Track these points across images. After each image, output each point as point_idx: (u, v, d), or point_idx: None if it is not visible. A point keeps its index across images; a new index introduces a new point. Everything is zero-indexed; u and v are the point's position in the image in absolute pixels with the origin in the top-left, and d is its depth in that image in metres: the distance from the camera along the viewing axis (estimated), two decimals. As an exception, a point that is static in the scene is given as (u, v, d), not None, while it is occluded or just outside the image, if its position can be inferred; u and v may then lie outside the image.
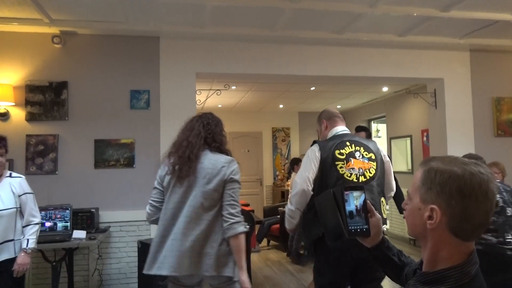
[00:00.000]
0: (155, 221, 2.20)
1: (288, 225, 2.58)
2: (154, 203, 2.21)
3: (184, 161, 2.10)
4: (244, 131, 9.34)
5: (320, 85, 6.55)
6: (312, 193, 2.41)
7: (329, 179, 2.39)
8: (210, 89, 5.27)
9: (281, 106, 8.78)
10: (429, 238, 0.98)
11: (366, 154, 2.50)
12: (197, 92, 4.44)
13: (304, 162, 2.50)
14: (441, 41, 4.62)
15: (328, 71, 4.63)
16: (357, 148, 2.49)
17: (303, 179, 2.41)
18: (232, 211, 2.09)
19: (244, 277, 2.09)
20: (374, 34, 4.42)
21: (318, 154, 2.45)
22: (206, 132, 2.20)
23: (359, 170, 2.43)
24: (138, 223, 4.12)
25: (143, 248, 3.57)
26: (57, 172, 4.02)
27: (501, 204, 2.75)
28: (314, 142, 2.59)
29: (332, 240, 1.28)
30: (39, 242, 3.32)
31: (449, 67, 4.90)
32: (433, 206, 0.94)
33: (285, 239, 5.89)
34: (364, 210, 1.20)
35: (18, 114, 4.01)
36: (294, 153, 9.60)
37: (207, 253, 2.05)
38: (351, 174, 2.41)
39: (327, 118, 2.72)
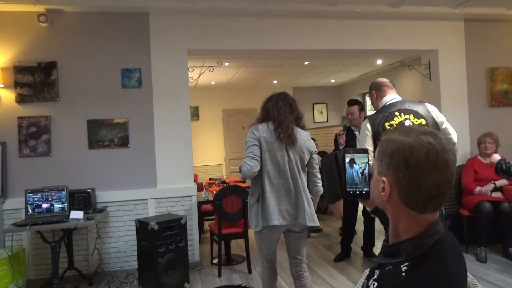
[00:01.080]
0: (255, 173, 2.51)
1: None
2: (256, 157, 2.51)
3: (286, 132, 2.53)
4: (238, 108, 9.30)
5: (314, 59, 6.48)
6: None
7: None
8: (203, 66, 5.21)
9: (275, 81, 8.72)
10: (388, 210, 0.98)
11: (416, 121, 2.53)
12: (190, 69, 4.38)
13: (360, 139, 2.62)
14: (435, 11, 4.56)
15: (321, 44, 4.57)
16: (407, 116, 2.53)
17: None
18: (319, 176, 2.68)
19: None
20: (367, 5, 4.34)
21: (370, 129, 2.54)
22: (290, 110, 2.63)
23: None
24: (135, 202, 4.14)
25: (141, 226, 3.60)
26: (51, 154, 4.00)
27: None
28: (365, 117, 2.71)
29: (330, 200, 1.33)
30: (36, 223, 3.35)
31: (444, 38, 4.84)
32: (383, 178, 0.94)
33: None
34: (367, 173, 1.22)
35: (8, 96, 3.95)
36: (289, 129, 9.58)
37: (309, 206, 2.57)
38: None
39: (376, 88, 2.77)
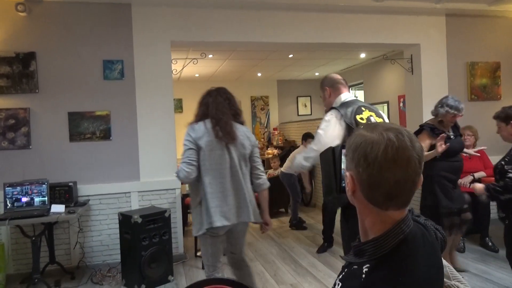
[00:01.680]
0: (193, 179, 2.46)
1: (300, 169, 2.57)
2: (193, 162, 2.44)
3: (225, 129, 2.48)
4: (222, 100, 9.25)
5: (298, 52, 6.49)
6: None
7: None
8: (186, 58, 5.16)
9: (259, 74, 8.70)
10: (356, 205, 0.98)
11: (377, 119, 2.50)
12: (173, 61, 4.33)
13: (327, 126, 2.37)
14: (418, 5, 4.61)
15: (305, 38, 4.58)
16: (371, 113, 2.48)
17: (332, 137, 2.28)
18: (262, 168, 2.68)
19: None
20: (351, -1, 4.36)
21: (341, 119, 2.37)
22: (229, 105, 2.59)
23: None
24: (118, 195, 4.10)
25: (124, 220, 3.57)
26: (30, 147, 3.92)
27: None
28: (331, 108, 2.49)
29: (325, 195, 1.31)
30: (16, 217, 3.28)
31: (426, 32, 4.91)
32: (347, 172, 0.95)
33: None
34: None
35: (-15, 87, 3.84)
36: (273, 122, 9.61)
37: (251, 202, 2.58)
38: None
39: (329, 85, 2.64)
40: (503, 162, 2.71)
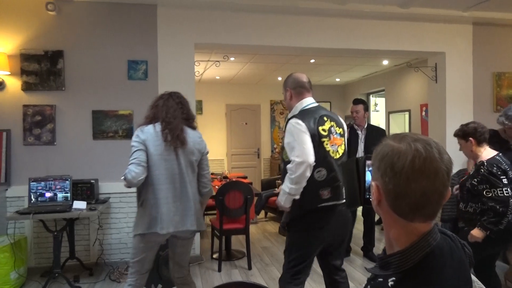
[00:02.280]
0: (141, 181, 2.35)
1: (287, 203, 2.37)
2: (142, 163, 2.34)
3: (175, 134, 2.41)
4: (242, 103, 9.28)
5: (320, 57, 6.46)
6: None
7: (317, 156, 2.26)
8: (209, 60, 5.20)
9: (279, 78, 8.69)
10: (381, 215, 0.97)
11: (338, 130, 2.42)
12: (196, 63, 4.37)
13: (297, 136, 2.27)
14: (444, 13, 4.54)
15: (328, 43, 4.56)
16: (332, 123, 2.40)
17: (307, 152, 2.23)
18: (209, 177, 2.62)
19: None
20: (376, 5, 4.33)
21: (305, 129, 2.27)
22: (181, 109, 2.51)
23: (335, 146, 2.37)
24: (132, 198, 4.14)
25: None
26: (55, 143, 4.00)
27: None
28: (292, 117, 2.38)
29: (349, 206, 1.30)
30: (39, 212, 3.36)
31: (452, 40, 4.83)
32: (373, 182, 0.94)
33: (282, 212, 5.97)
34: None
35: (14, 84, 3.95)
36: (292, 126, 9.57)
37: (196, 210, 2.50)
38: (333, 151, 2.35)
39: (292, 87, 2.48)
40: (474, 182, 2.62)
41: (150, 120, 2.47)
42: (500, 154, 2.62)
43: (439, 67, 4.95)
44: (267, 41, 4.43)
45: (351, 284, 3.68)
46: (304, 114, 2.37)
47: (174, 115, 2.45)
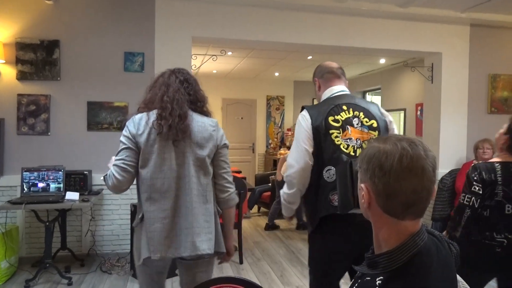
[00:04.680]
0: (125, 190, 1.86)
1: (288, 213, 2.15)
2: (128, 168, 1.80)
3: (174, 122, 1.77)
4: (238, 98, 9.27)
5: (318, 54, 6.46)
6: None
7: (325, 152, 1.94)
8: (206, 54, 5.18)
9: (276, 74, 8.69)
10: (370, 218, 0.98)
11: (366, 122, 2.02)
12: (193, 57, 4.36)
13: (297, 133, 2.03)
14: (442, 14, 4.55)
15: (326, 40, 4.56)
16: (356, 113, 2.01)
17: (302, 153, 1.96)
18: (230, 178, 1.93)
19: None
20: (375, 3, 4.33)
21: (309, 123, 1.97)
22: (186, 89, 1.89)
23: (357, 141, 1.97)
24: (131, 187, 4.12)
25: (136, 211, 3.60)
26: (49, 133, 3.99)
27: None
28: (303, 107, 2.08)
29: (341, 209, 1.29)
30: (32, 202, 3.35)
31: (449, 41, 4.84)
32: (362, 184, 0.95)
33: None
34: None
35: (9, 73, 3.92)
36: (288, 123, 9.59)
37: (209, 226, 1.86)
38: (348, 145, 1.95)
39: (319, 75, 2.19)
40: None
41: (145, 106, 1.89)
42: (499, 164, 2.18)
43: (435, 67, 4.97)
44: (264, 37, 4.42)
45: (343, 281, 3.72)
46: (321, 104, 2.07)
47: (175, 97, 1.82)
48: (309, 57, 6.76)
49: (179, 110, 1.80)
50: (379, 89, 8.18)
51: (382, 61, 6.98)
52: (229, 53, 6.24)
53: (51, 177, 3.63)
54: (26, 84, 3.94)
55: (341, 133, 1.97)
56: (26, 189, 3.58)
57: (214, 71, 8.24)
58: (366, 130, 2.01)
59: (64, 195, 3.53)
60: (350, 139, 1.97)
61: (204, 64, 5.39)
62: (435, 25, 4.77)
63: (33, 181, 3.59)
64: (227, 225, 2.02)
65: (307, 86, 9.67)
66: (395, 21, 4.67)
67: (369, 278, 0.93)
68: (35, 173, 3.60)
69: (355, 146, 1.97)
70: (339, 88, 2.13)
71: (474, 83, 4.95)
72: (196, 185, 1.83)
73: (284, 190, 2.08)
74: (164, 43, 4.18)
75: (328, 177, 1.92)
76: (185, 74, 1.94)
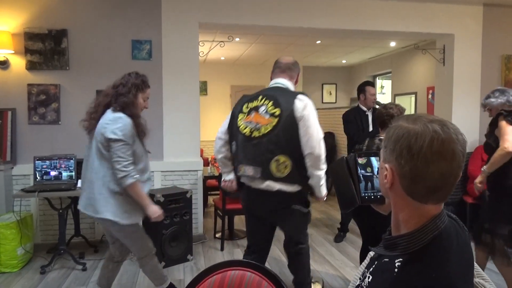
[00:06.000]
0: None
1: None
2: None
3: (88, 117, 2.46)
4: (246, 84, 9.22)
5: (327, 38, 6.38)
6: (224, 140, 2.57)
7: (232, 130, 2.51)
8: (213, 41, 5.15)
9: (285, 59, 8.60)
10: (391, 198, 0.95)
11: (271, 109, 2.34)
12: (200, 43, 4.33)
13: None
14: (455, -6, 4.44)
15: (335, 24, 4.48)
16: (266, 102, 2.38)
17: (221, 133, 2.59)
18: (118, 166, 2.32)
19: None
20: (385, -15, 4.23)
21: (232, 109, 2.58)
22: (112, 92, 2.44)
23: (256, 124, 2.36)
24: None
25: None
26: (60, 122, 4.03)
27: None
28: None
29: (344, 208, 1.27)
30: (45, 190, 3.41)
31: (461, 22, 4.73)
32: (386, 165, 0.91)
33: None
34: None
35: (18, 63, 3.95)
36: (297, 108, 9.52)
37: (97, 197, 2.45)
38: (246, 126, 2.41)
39: (272, 70, 2.61)
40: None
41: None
42: None
43: (447, 50, 4.87)
44: (272, 21, 4.36)
45: (350, 263, 3.73)
46: (254, 93, 2.52)
47: (98, 99, 2.50)
48: (318, 42, 6.67)
49: (94, 112, 2.51)
50: (389, 73, 8.07)
51: (393, 44, 6.86)
52: (237, 39, 6.19)
53: (63, 166, 3.68)
54: (35, 74, 3.97)
55: (245, 117, 2.44)
56: (38, 177, 3.63)
57: (222, 58, 8.20)
58: (267, 117, 2.35)
59: (76, 183, 3.58)
60: (250, 122, 2.39)
61: (211, 50, 5.37)
62: (447, 5, 4.65)
63: (45, 169, 3.64)
64: (137, 200, 2.53)
65: (316, 71, 9.58)
66: (406, 3, 4.57)
67: (387, 259, 0.92)
68: (47, 161, 3.65)
69: (252, 128, 2.38)
70: (274, 81, 2.52)
71: (487, 65, 4.84)
72: (94, 166, 2.43)
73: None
74: (171, 30, 4.16)
75: (232, 150, 2.53)
76: (121, 79, 2.57)
